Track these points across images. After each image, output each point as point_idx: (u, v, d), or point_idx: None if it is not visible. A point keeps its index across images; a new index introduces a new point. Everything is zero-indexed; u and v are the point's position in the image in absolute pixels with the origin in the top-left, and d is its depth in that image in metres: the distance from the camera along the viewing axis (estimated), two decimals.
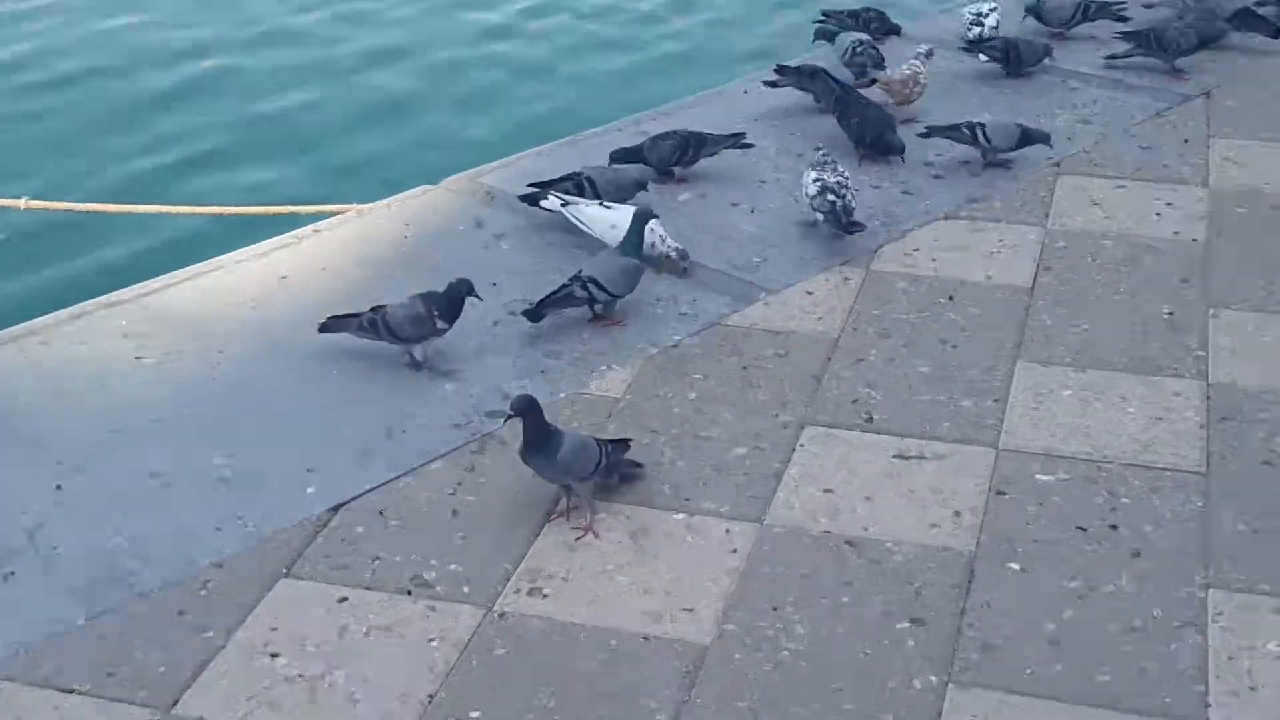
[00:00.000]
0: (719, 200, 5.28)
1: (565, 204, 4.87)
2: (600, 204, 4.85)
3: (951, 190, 5.33)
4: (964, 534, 3.59)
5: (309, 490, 3.76)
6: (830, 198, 4.83)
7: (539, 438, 3.57)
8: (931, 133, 5.53)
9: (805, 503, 3.71)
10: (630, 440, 3.79)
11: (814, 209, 4.89)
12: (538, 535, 3.60)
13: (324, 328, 4.26)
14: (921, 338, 4.43)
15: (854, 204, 4.87)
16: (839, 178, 4.88)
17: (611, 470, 3.70)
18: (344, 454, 3.90)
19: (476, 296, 4.22)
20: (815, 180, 4.89)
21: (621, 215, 4.72)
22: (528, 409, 3.56)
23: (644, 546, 3.56)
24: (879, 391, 4.15)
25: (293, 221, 5.54)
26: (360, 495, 3.74)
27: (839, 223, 4.83)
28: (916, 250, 4.92)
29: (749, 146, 5.44)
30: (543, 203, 4.97)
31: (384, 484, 3.78)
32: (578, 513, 3.63)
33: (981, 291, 4.67)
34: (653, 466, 3.82)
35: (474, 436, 3.96)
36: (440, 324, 4.16)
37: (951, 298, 4.62)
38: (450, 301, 4.18)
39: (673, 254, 4.74)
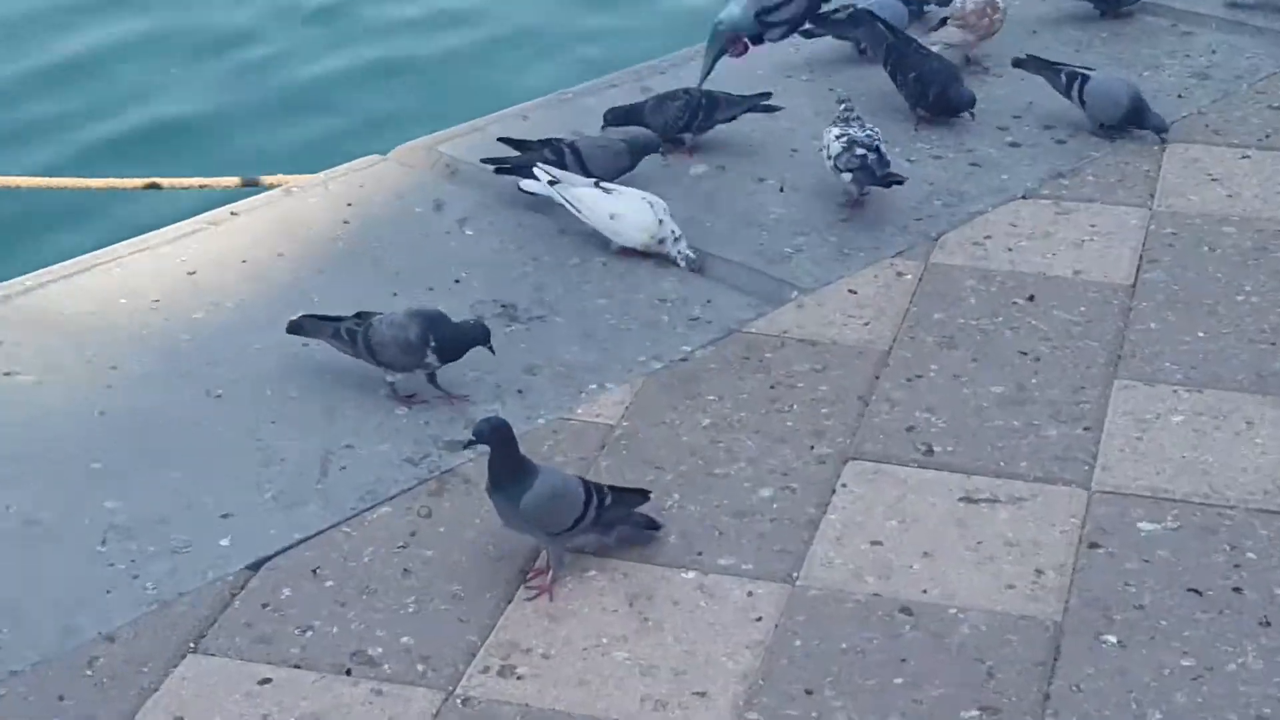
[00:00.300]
0: (741, 175, 5.28)
1: (553, 182, 4.88)
2: (597, 185, 4.84)
3: (1032, 161, 5.34)
4: (1048, 598, 3.58)
5: (223, 542, 3.75)
6: (860, 151, 4.90)
7: (505, 473, 3.56)
8: (1026, 64, 5.57)
9: (848, 558, 3.70)
10: (648, 494, 3.76)
11: (840, 169, 4.94)
12: (510, 600, 3.59)
13: (295, 328, 4.27)
14: (994, 349, 4.43)
15: (890, 158, 4.95)
16: (868, 132, 4.95)
17: (609, 528, 3.68)
18: (267, 496, 3.89)
19: (490, 349, 4.15)
20: (840, 136, 4.95)
21: (626, 204, 4.73)
22: (494, 435, 3.56)
23: (645, 614, 3.55)
24: (941, 417, 4.15)
25: (203, 200, 5.56)
26: (288, 548, 3.73)
27: (873, 176, 4.90)
28: (988, 238, 4.92)
29: (775, 109, 5.44)
30: (523, 183, 4.96)
31: (318, 534, 3.78)
32: (557, 570, 3.62)
33: (1070, 290, 4.67)
34: (657, 513, 3.80)
35: (431, 473, 3.96)
36: (431, 358, 4.10)
37: (1032, 298, 4.63)
38: (456, 337, 4.11)
39: (681, 261, 4.75)
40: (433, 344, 4.09)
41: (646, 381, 4.30)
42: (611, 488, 3.69)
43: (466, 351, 4.16)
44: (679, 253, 4.73)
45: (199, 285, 4.70)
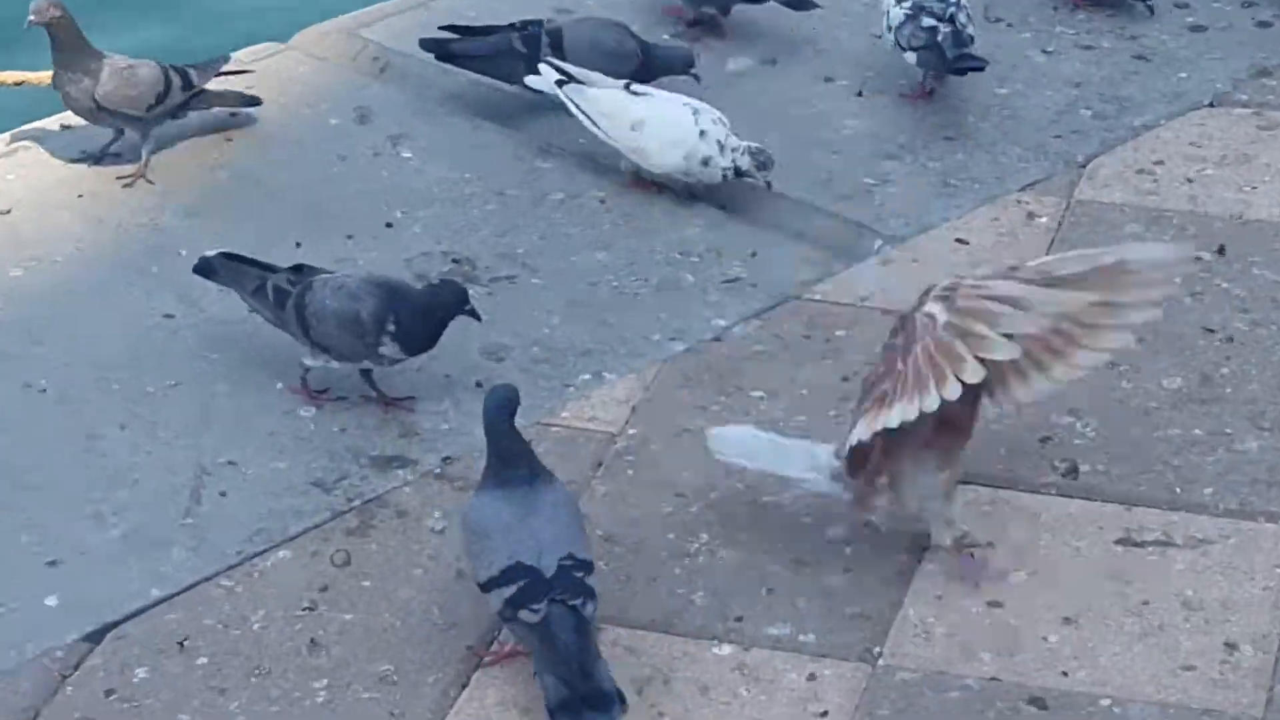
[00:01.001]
0: (800, 72, 5.31)
1: (563, 81, 4.89)
2: (628, 87, 4.85)
3: (1224, 53, 5.37)
4: (1243, 684, 3.57)
5: (49, 601, 3.75)
6: (928, 23, 4.98)
7: (493, 465, 3.58)
8: None
9: (953, 626, 3.70)
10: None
11: (903, 46, 5.03)
12: (465, 685, 3.58)
13: (204, 267, 4.30)
14: (1168, 324, 4.36)
15: (971, 32, 5.01)
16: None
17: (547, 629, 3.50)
18: (114, 534, 3.90)
19: (475, 317, 4.10)
20: (901, 0, 5.04)
21: (658, 108, 4.75)
22: (497, 407, 3.57)
23: (659, 706, 3.54)
24: (1089, 423, 4.16)
25: (22, 104, 5.57)
26: (143, 610, 3.73)
27: (943, 59, 4.98)
28: (1158, 164, 4.94)
29: (809, 7, 5.42)
30: (529, 80, 4.96)
31: (186, 589, 3.77)
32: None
33: (1278, 240, 4.68)
34: (678, 560, 3.81)
35: (350, 503, 3.97)
36: (388, 347, 4.09)
37: (1221, 250, 4.64)
38: (426, 315, 4.10)
39: (742, 163, 4.74)
40: (391, 327, 4.07)
41: (663, 370, 4.31)
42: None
43: (441, 330, 4.11)
44: (735, 153, 4.74)
45: (17, 231, 4.73)
